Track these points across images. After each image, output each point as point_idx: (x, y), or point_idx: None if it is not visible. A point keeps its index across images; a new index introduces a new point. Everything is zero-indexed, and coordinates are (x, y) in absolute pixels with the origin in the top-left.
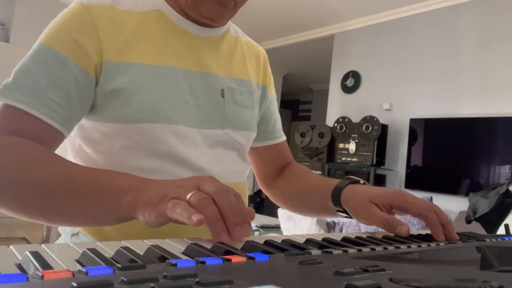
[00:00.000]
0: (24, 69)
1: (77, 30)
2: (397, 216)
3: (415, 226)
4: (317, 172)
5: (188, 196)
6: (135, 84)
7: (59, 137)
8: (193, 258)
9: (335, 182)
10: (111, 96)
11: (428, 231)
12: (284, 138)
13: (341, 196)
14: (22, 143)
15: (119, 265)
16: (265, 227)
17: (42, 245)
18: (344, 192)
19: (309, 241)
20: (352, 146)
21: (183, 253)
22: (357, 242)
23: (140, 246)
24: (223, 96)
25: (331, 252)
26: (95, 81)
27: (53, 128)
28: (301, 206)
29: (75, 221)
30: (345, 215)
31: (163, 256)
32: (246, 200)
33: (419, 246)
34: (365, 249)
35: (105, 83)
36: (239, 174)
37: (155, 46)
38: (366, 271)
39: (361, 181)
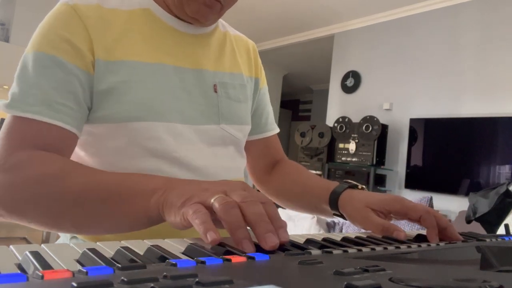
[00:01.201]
0: (27, 79)
1: (67, 31)
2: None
3: (415, 226)
4: (317, 172)
5: (212, 200)
6: (126, 82)
7: (74, 140)
8: (193, 258)
9: (333, 185)
10: (103, 96)
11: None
12: (276, 130)
13: (339, 200)
14: (43, 156)
15: (119, 265)
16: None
17: (42, 245)
18: (342, 197)
19: (309, 241)
20: (352, 146)
21: (183, 253)
22: (357, 242)
23: (140, 246)
24: (215, 91)
25: (331, 252)
26: (93, 79)
27: (68, 131)
28: (295, 204)
29: (108, 228)
30: (341, 218)
31: (163, 256)
32: None
33: (419, 246)
34: (365, 249)
35: (98, 82)
36: (235, 170)
37: (145, 43)
38: (366, 271)
39: (359, 186)
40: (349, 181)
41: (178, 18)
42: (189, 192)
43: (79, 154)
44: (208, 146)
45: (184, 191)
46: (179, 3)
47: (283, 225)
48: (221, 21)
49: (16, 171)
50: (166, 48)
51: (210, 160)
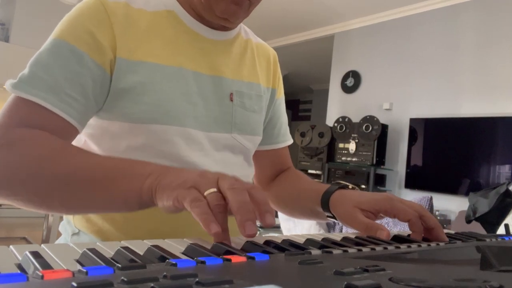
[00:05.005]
0: (40, 62)
1: (93, 25)
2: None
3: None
4: (317, 172)
5: (206, 194)
6: (145, 83)
7: (74, 132)
8: (193, 258)
9: (325, 187)
10: (121, 95)
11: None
12: (288, 142)
13: (330, 201)
14: (40, 135)
15: (119, 265)
16: (265, 227)
17: (42, 245)
18: (333, 198)
19: (309, 241)
20: (352, 146)
21: (183, 253)
22: (357, 242)
23: (140, 246)
24: (231, 100)
25: (331, 252)
26: (110, 77)
27: (69, 123)
28: (293, 209)
29: (97, 209)
30: (334, 220)
31: (163, 256)
32: None
33: (419, 246)
34: (365, 249)
35: (117, 80)
36: (244, 178)
37: (166, 46)
38: (366, 271)
39: (350, 186)
40: (341, 182)
41: (202, 22)
42: (183, 176)
43: (91, 148)
44: (218, 153)
45: (178, 176)
46: (208, 4)
47: (269, 210)
48: (244, 27)
49: (12, 147)
50: (186, 53)
51: (220, 167)
